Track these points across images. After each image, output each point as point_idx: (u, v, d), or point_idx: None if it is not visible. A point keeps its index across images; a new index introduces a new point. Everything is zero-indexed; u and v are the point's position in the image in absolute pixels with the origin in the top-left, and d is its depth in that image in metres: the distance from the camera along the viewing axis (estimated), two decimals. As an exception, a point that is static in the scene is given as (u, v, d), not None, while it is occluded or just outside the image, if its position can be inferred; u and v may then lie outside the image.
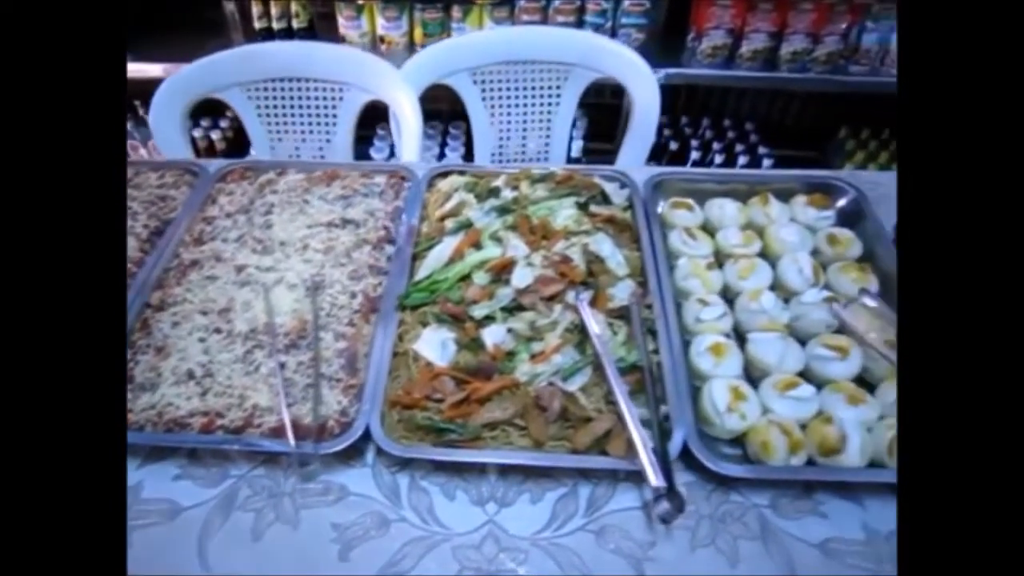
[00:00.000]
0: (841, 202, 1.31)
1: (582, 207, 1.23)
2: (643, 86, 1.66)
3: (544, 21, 2.41)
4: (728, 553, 0.84)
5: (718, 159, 2.76)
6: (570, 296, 1.04)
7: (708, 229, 1.25)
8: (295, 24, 2.48)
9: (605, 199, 1.27)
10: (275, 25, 2.47)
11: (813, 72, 2.44)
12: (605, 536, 0.86)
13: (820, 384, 0.99)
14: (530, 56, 1.73)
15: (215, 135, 2.63)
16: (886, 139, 2.78)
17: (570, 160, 2.64)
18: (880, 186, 1.37)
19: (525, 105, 1.80)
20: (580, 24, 2.42)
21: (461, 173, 1.33)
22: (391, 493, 0.91)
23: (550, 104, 1.80)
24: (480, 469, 0.92)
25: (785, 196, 1.30)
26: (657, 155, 2.76)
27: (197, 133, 2.61)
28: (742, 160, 2.74)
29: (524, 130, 1.83)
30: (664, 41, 2.52)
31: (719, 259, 1.19)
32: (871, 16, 2.32)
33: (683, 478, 0.91)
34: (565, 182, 1.28)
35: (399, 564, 0.83)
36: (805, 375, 1.01)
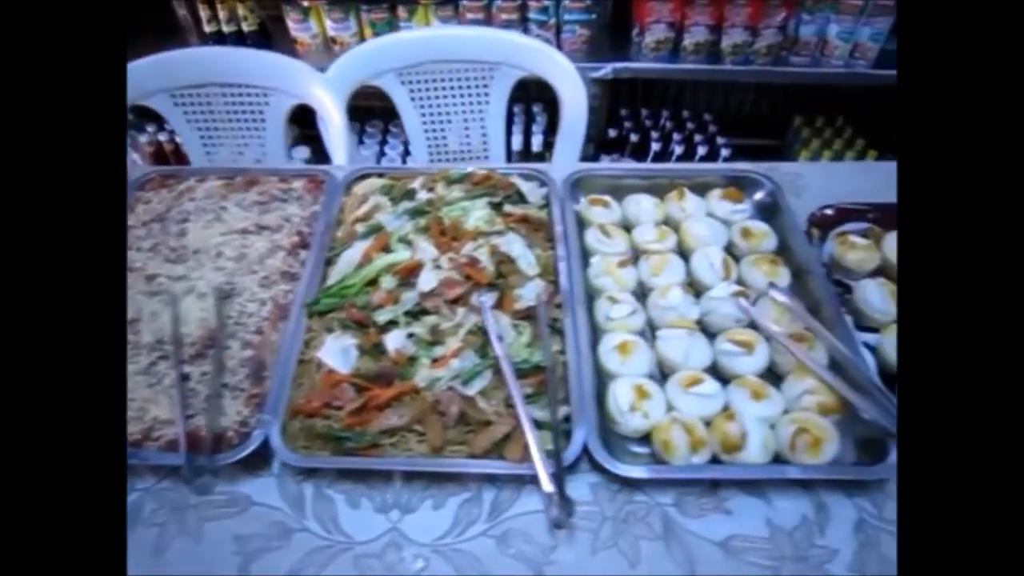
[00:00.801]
0: (759, 195, 1.30)
1: (496, 207, 1.21)
2: (568, 83, 1.65)
3: (488, 19, 2.40)
4: (629, 554, 0.83)
5: (678, 150, 2.75)
6: (475, 298, 1.02)
7: (628, 226, 1.23)
8: (245, 27, 2.43)
9: (522, 198, 1.25)
10: (225, 29, 2.42)
11: (756, 64, 2.43)
12: (507, 541, 0.84)
13: (729, 379, 0.98)
14: (455, 55, 1.71)
15: (163, 139, 2.58)
16: (840, 127, 2.80)
17: (528, 156, 2.63)
18: (801, 177, 1.38)
19: (455, 104, 1.78)
20: (524, 21, 2.40)
21: (380, 175, 1.31)
22: (295, 503, 0.89)
23: (480, 103, 1.77)
24: (386, 476, 0.90)
25: (705, 190, 1.28)
26: (619, 147, 2.76)
27: (144, 138, 2.56)
28: (701, 151, 2.75)
29: (465, 129, 1.81)
30: (613, 36, 2.54)
31: (637, 256, 1.17)
32: (806, 9, 2.34)
33: (589, 479, 0.90)
34: (482, 182, 1.26)
35: (300, 575, 0.81)
36: (716, 371, 1.00)
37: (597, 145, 2.84)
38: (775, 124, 2.99)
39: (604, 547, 0.84)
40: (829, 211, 1.23)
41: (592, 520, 0.86)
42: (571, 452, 0.87)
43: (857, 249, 1.15)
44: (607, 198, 1.26)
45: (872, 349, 1.04)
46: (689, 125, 2.85)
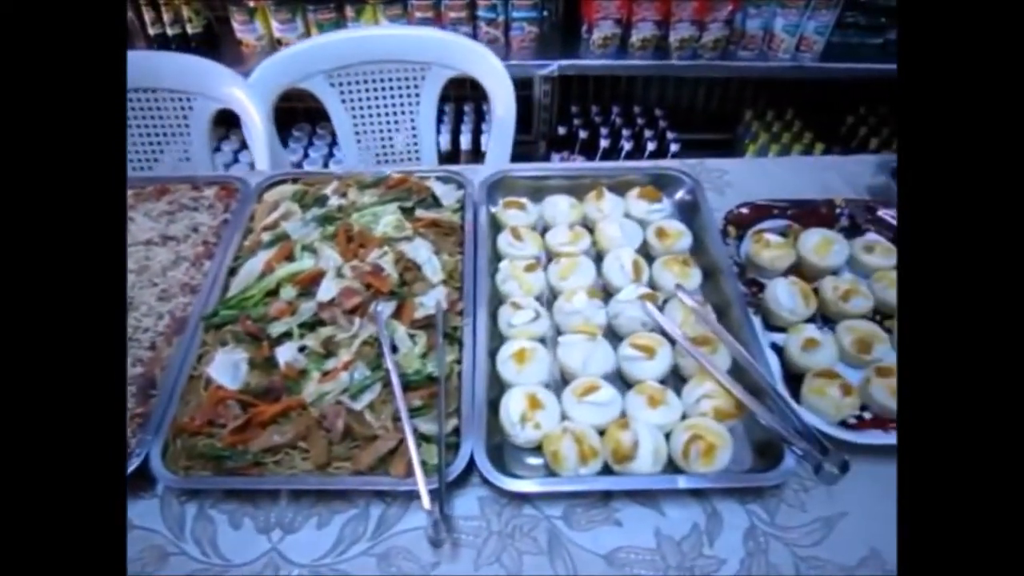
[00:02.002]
0: (680, 193, 1.28)
1: (408, 212, 1.18)
2: (498, 81, 1.62)
3: (437, 18, 2.38)
4: (512, 569, 0.81)
5: (627, 146, 2.74)
6: (373, 308, 0.99)
7: (546, 228, 1.21)
8: (190, 30, 2.39)
9: (436, 202, 1.22)
10: (169, 31, 2.38)
11: (703, 59, 2.43)
12: (389, 559, 0.82)
13: (632, 386, 0.96)
14: (386, 56, 1.68)
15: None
16: (789, 120, 2.79)
17: (478, 156, 2.61)
18: (727, 173, 1.36)
19: (386, 105, 1.75)
20: (473, 19, 2.38)
21: (295, 181, 1.28)
22: (175, 525, 0.86)
23: (411, 103, 1.74)
24: (271, 495, 0.88)
25: (629, 190, 1.26)
26: (569, 145, 2.74)
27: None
28: (651, 147, 2.73)
29: (396, 130, 1.78)
30: (564, 33, 2.52)
31: (551, 259, 1.15)
32: (752, 2, 2.33)
33: (478, 492, 0.88)
34: (397, 186, 1.23)
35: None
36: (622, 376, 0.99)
37: (548, 143, 2.82)
38: (727, 118, 2.99)
39: (487, 563, 0.81)
40: (744, 209, 1.21)
41: (478, 535, 0.84)
42: (456, 466, 0.84)
43: (771, 247, 1.13)
44: (523, 200, 1.23)
45: (780, 350, 1.02)
46: (639, 121, 2.83)
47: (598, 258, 1.15)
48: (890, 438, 0.90)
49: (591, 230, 1.19)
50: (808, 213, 1.22)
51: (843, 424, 0.94)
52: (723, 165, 1.41)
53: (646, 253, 1.17)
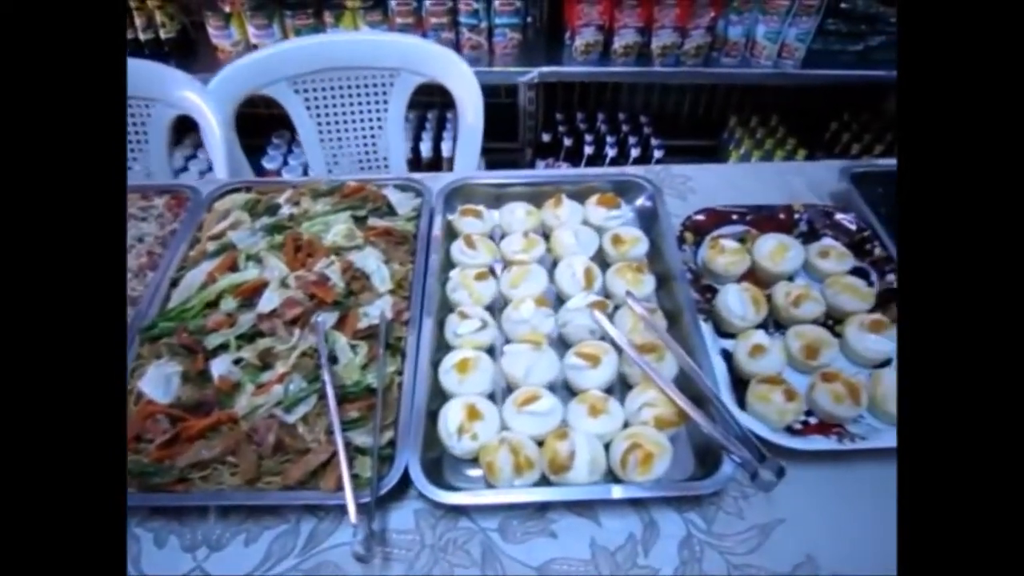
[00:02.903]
0: (640, 200, 1.28)
1: (360, 221, 1.18)
2: (465, 88, 1.63)
3: (419, 24, 2.38)
4: (443, 584, 0.80)
5: (611, 153, 2.75)
6: (315, 318, 0.99)
7: (504, 235, 1.21)
8: (163, 35, 2.39)
9: (391, 210, 1.22)
10: (142, 36, 2.38)
11: (686, 65, 2.43)
12: (317, 575, 0.81)
13: (577, 394, 0.95)
14: (352, 62, 1.68)
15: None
16: (774, 127, 2.80)
17: (443, 164, 2.61)
18: (690, 179, 1.36)
19: (353, 112, 1.75)
20: (455, 25, 2.38)
21: (248, 190, 1.28)
22: (103, 543, 0.85)
23: (379, 110, 1.75)
24: (200, 511, 0.87)
25: (589, 196, 1.27)
26: (554, 152, 2.75)
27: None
28: (634, 153, 2.74)
29: (364, 138, 1.78)
30: (549, 40, 2.54)
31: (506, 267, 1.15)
32: (734, 9, 2.35)
33: (414, 505, 0.87)
34: (352, 195, 1.23)
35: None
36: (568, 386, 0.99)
37: (534, 150, 2.83)
38: (712, 125, 3.00)
39: (418, 577, 0.81)
40: (702, 216, 1.21)
41: (411, 549, 0.83)
42: (390, 479, 0.83)
43: (725, 253, 1.13)
44: (480, 208, 1.23)
45: (730, 356, 1.01)
46: (624, 128, 2.84)
47: (554, 266, 1.14)
48: (831, 443, 0.90)
49: (549, 238, 1.19)
50: (767, 219, 1.22)
51: (788, 430, 0.93)
52: (687, 171, 1.41)
53: (603, 260, 1.16)
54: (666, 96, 3.04)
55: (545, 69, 2.43)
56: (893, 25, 2.34)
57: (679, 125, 3.11)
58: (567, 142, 2.75)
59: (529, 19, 2.54)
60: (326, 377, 0.91)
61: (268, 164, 2.57)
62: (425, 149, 2.62)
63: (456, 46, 2.44)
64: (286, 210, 1.20)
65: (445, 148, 2.67)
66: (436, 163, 2.71)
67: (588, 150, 2.75)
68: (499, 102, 2.91)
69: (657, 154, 2.74)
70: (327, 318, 1.00)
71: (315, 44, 1.70)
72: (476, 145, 1.68)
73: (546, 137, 2.79)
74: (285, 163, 2.64)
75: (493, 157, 2.74)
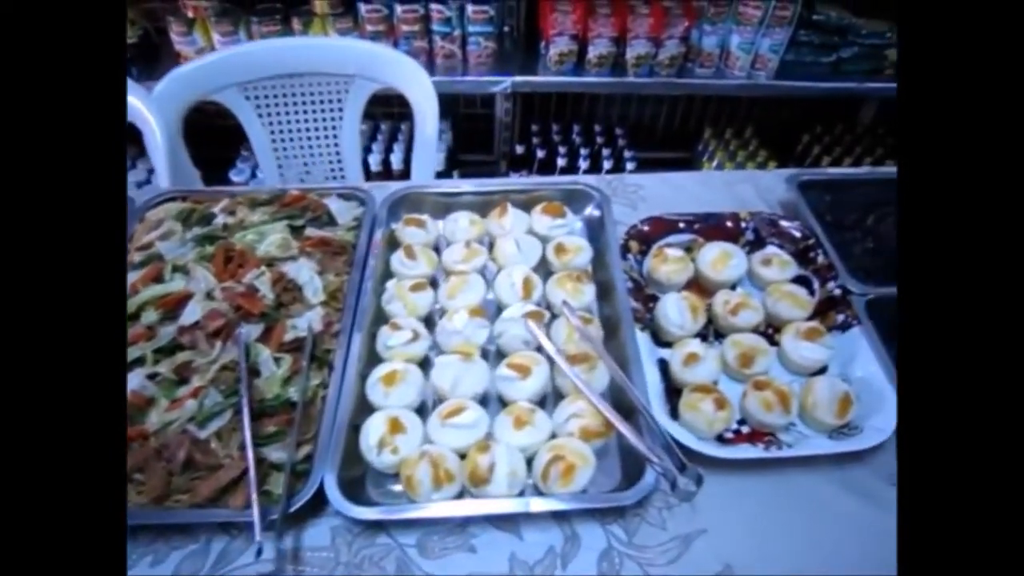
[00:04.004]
0: (589, 209, 1.28)
1: (297, 230, 1.18)
2: (422, 95, 1.63)
3: (390, 31, 2.40)
4: (354, 603, 0.79)
5: (584, 165, 2.76)
6: (238, 331, 0.99)
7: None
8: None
9: (332, 220, 1.22)
10: (103, 41, 2.37)
11: (660, 76, 2.45)
12: (223, 596, 0.80)
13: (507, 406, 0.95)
14: (304, 68, 1.68)
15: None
16: (748, 138, 2.82)
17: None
18: (642, 188, 1.36)
19: (307, 120, 1.75)
20: (427, 33, 2.39)
21: (184, 199, 1.28)
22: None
23: (333, 118, 1.75)
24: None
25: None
26: (528, 164, 2.76)
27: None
28: (607, 165, 2.76)
29: (315, 147, 1.78)
30: (525, 50, 2.57)
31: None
32: (707, 19, 2.37)
33: (332, 522, 0.86)
34: (292, 204, 1.23)
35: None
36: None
37: (509, 162, 2.85)
38: (687, 137, 3.03)
39: (329, 596, 0.80)
40: (647, 225, 1.21)
41: (324, 567, 0.82)
42: (304, 495, 0.83)
43: (668, 262, 1.13)
44: (423, 217, 1.24)
45: (667, 365, 1.02)
46: (599, 140, 2.85)
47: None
48: (755, 452, 0.90)
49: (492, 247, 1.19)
50: (714, 227, 1.23)
51: (720, 439, 0.93)
52: (639, 180, 1.42)
53: (548, 270, 1.16)
54: (642, 108, 3.07)
55: (519, 79, 2.45)
56: (865, 37, 2.37)
57: (654, 137, 3.14)
58: (540, 154, 2.76)
59: (506, 28, 2.56)
60: (243, 390, 0.90)
61: (236, 177, 2.56)
62: (396, 161, 2.63)
63: (429, 54, 2.45)
64: (221, 220, 1.20)
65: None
66: (406, 175, 2.72)
67: (561, 162, 2.76)
68: (475, 113, 2.94)
69: (630, 166, 2.77)
70: (251, 330, 0.99)
71: (265, 49, 1.70)
72: (433, 155, 1.68)
73: (519, 149, 2.80)
74: (254, 175, 2.64)
75: (468, 170, 2.77)
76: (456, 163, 2.85)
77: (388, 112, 2.78)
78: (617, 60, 2.44)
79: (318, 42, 1.91)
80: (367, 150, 2.67)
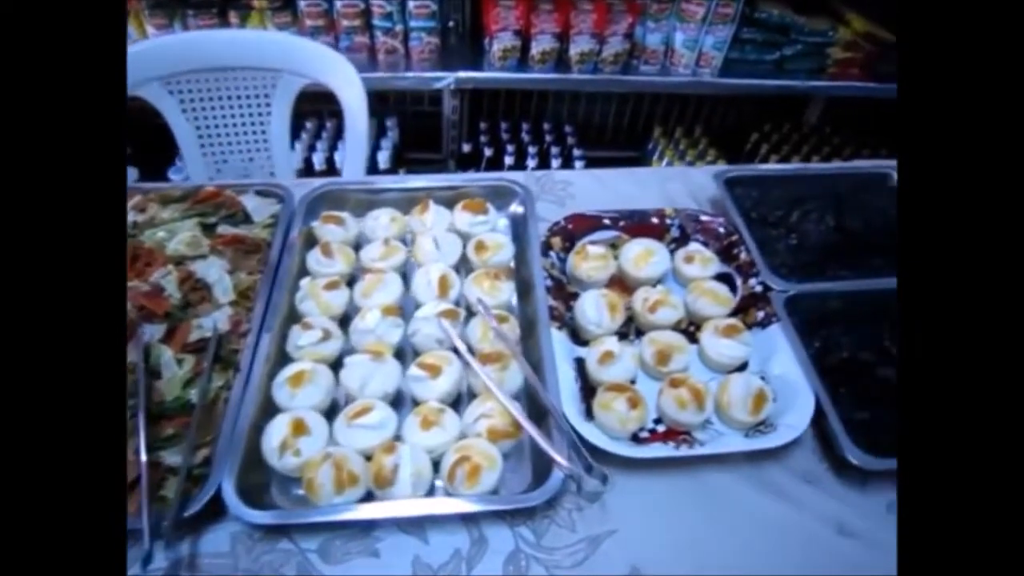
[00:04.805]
0: (514, 205, 1.28)
1: (209, 228, 1.16)
2: (351, 90, 1.62)
3: (331, 27, 2.38)
4: (251, 611, 0.78)
5: (532, 163, 2.77)
6: (139, 331, 0.97)
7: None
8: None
9: (247, 217, 1.20)
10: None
11: (604, 72, 2.47)
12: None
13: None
14: (229, 62, 1.66)
15: None
16: (697, 137, 2.86)
17: (375, 170, 2.59)
18: (571, 184, 1.37)
19: (234, 116, 1.73)
20: (368, 28, 2.38)
21: (95, 198, 1.24)
22: None
23: (261, 114, 1.73)
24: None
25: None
26: (476, 162, 2.76)
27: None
28: (556, 164, 2.77)
29: (238, 144, 1.76)
30: (471, 45, 2.58)
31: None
32: (651, 16, 2.39)
33: (231, 527, 0.85)
34: (206, 200, 1.21)
35: None
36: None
37: (457, 161, 2.85)
38: (637, 135, 3.06)
39: (224, 604, 0.79)
40: (570, 222, 1.22)
41: (220, 574, 0.81)
42: (199, 499, 0.81)
43: (589, 259, 1.14)
44: (343, 215, 1.23)
45: (583, 364, 1.02)
46: (548, 138, 2.87)
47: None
48: (665, 451, 0.91)
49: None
50: (639, 224, 1.24)
51: (635, 438, 0.94)
52: (568, 176, 1.43)
53: (470, 268, 1.16)
54: (591, 106, 3.09)
55: (462, 75, 2.45)
56: (807, 35, 2.42)
57: (604, 135, 3.16)
58: (488, 152, 2.76)
59: (451, 24, 2.56)
60: (140, 392, 0.88)
61: (175, 175, 2.52)
62: (341, 159, 2.61)
63: (371, 50, 2.44)
64: (131, 218, 1.18)
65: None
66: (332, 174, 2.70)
67: (509, 160, 2.77)
68: (423, 110, 2.94)
69: (578, 164, 2.78)
70: (154, 331, 0.98)
71: (187, 41, 1.68)
72: (363, 152, 1.67)
73: (467, 147, 2.80)
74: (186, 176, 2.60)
75: (415, 168, 2.76)
76: (403, 161, 2.84)
77: (334, 110, 2.76)
78: (561, 56, 2.45)
79: (241, 35, 1.89)
80: (311, 148, 2.65)
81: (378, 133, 2.82)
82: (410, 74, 2.44)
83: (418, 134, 2.92)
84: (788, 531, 0.87)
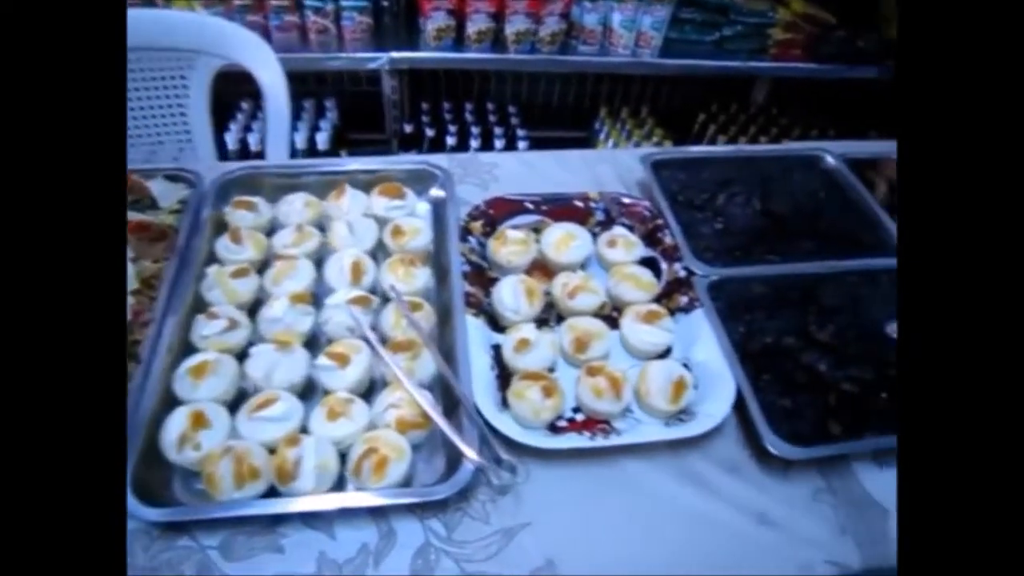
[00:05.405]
0: (434, 189, 1.27)
1: (112, 214, 1.12)
2: (269, 72, 1.59)
3: (260, 7, 2.35)
4: (148, 611, 0.77)
5: (474, 144, 2.76)
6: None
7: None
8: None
9: (154, 203, 1.17)
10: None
11: (542, 53, 2.46)
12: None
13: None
14: (142, 42, 1.61)
15: None
16: (643, 117, 2.87)
17: (314, 154, 2.57)
18: (497, 167, 1.36)
19: (150, 99, 1.68)
20: (299, 8, 2.34)
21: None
22: None
23: (179, 96, 1.68)
24: None
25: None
26: (417, 143, 2.74)
27: None
28: (499, 144, 2.76)
29: (156, 127, 1.71)
30: (407, 25, 2.55)
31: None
32: (587, -4, 2.38)
33: (128, 524, 0.83)
34: (110, 186, 1.17)
35: None
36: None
37: (399, 141, 2.82)
38: (584, 115, 3.07)
39: (118, 606, 0.77)
40: (487, 206, 1.21)
41: (114, 574, 0.78)
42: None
43: (508, 244, 1.14)
44: (255, 200, 1.20)
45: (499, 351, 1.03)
46: (491, 118, 2.86)
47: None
48: (580, 441, 0.92)
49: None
50: (562, 208, 1.24)
51: (552, 428, 0.94)
52: (495, 159, 1.42)
53: (389, 254, 1.15)
54: (535, 86, 3.09)
55: (396, 55, 2.43)
56: (747, 15, 2.45)
57: (549, 115, 3.16)
58: (430, 133, 2.75)
59: (385, 3, 2.52)
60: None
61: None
62: (300, 140, 2.57)
63: (302, 29, 2.40)
64: (29, 204, 1.14)
65: (299, 139, 2.61)
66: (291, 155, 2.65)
67: (451, 141, 2.75)
68: (362, 90, 2.90)
69: (522, 145, 2.78)
70: (46, 322, 0.94)
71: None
72: (286, 134, 1.64)
73: (408, 128, 2.78)
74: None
75: (357, 149, 2.73)
76: (344, 142, 2.82)
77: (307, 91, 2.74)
78: (498, 36, 2.44)
79: (152, 15, 1.82)
80: (247, 128, 2.60)
81: (317, 114, 2.78)
82: (342, 54, 2.42)
83: (361, 114, 2.89)
84: (706, 521, 0.88)
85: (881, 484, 0.94)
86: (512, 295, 1.05)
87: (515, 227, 1.21)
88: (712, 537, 0.87)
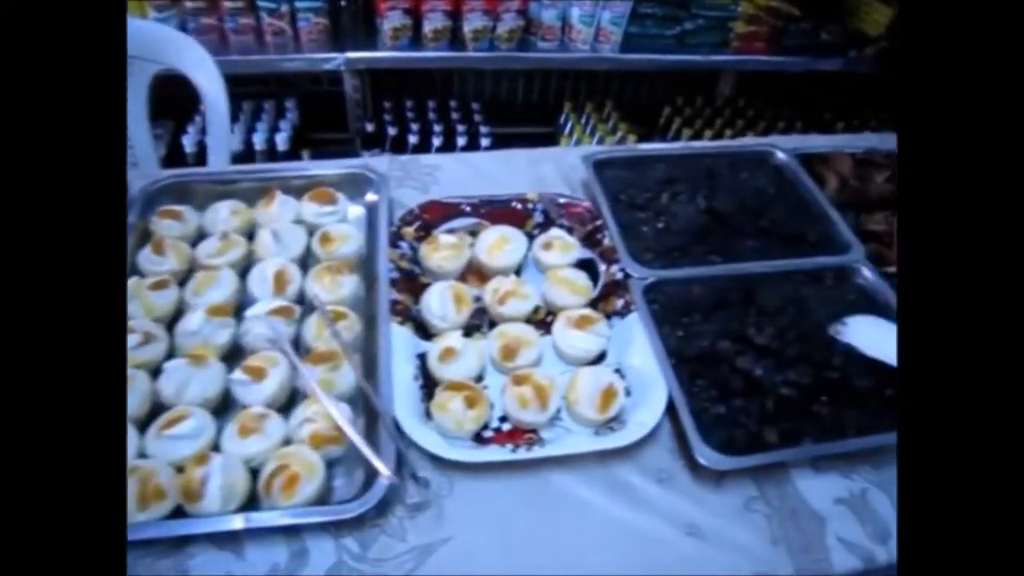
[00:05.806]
0: (369, 194, 1.25)
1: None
2: (207, 76, 1.57)
3: (214, 8, 2.33)
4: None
5: (436, 143, 2.74)
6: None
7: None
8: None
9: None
10: None
11: (501, 50, 2.45)
12: None
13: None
14: (73, 47, 1.57)
15: None
16: (608, 113, 2.86)
17: (275, 156, 2.56)
18: (439, 169, 1.35)
19: (84, 104, 1.64)
20: (253, 10, 2.32)
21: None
22: None
23: (115, 102, 1.65)
24: None
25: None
26: (380, 142, 2.72)
27: None
28: (461, 142, 2.75)
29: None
30: (365, 25, 2.53)
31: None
32: (545, -9, 2.38)
33: (26, 552, 0.80)
34: (29, 196, 1.14)
35: None
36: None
37: (362, 141, 2.81)
38: (549, 112, 3.06)
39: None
40: (421, 210, 1.20)
41: (8, 603, 0.76)
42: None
43: (440, 249, 1.12)
44: (181, 208, 1.18)
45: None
46: (454, 116, 2.84)
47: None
48: (502, 453, 0.90)
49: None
50: (500, 210, 1.22)
51: (479, 438, 0.93)
52: (436, 160, 1.40)
53: (318, 261, 1.13)
54: (497, 83, 3.08)
55: (352, 55, 2.41)
56: (708, 9, 2.44)
57: (514, 112, 3.15)
58: (392, 131, 2.73)
59: (342, 3, 2.51)
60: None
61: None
62: (259, 141, 2.54)
63: (258, 31, 2.38)
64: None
65: (258, 140, 2.58)
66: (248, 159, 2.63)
67: (413, 139, 2.74)
68: (324, 90, 2.88)
69: (485, 142, 2.77)
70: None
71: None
72: (226, 140, 1.62)
73: (370, 127, 2.76)
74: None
75: (320, 149, 2.72)
76: (307, 142, 2.80)
77: (235, 93, 2.69)
78: (455, 34, 2.43)
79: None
80: (204, 131, 2.56)
81: (277, 114, 2.76)
82: (299, 56, 2.41)
83: (323, 114, 2.87)
84: (634, 533, 0.86)
85: (818, 491, 0.92)
86: (439, 302, 1.04)
87: (451, 231, 1.19)
88: (640, 549, 0.86)
